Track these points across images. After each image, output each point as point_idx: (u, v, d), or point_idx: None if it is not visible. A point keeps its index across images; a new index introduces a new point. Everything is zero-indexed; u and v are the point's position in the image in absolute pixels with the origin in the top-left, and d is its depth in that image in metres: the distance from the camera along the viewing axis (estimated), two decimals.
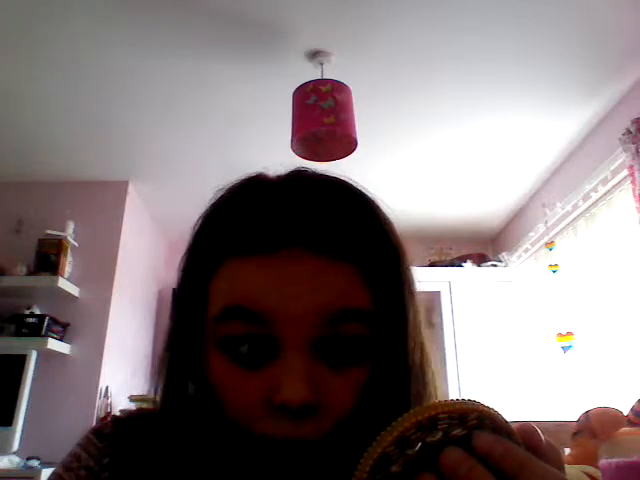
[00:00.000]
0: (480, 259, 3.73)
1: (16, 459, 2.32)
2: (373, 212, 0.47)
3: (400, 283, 0.46)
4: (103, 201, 3.18)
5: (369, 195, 0.48)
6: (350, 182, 0.48)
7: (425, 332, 0.48)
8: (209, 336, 0.45)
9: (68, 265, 2.91)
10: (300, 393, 0.40)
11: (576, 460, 1.04)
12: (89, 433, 0.50)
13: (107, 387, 2.90)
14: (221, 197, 0.49)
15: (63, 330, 2.84)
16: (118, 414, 0.53)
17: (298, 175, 0.49)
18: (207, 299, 0.46)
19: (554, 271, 2.88)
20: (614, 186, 2.52)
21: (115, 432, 0.49)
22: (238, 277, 0.44)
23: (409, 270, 0.48)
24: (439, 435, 0.30)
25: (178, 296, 0.49)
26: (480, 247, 4.01)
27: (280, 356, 0.42)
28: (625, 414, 1.13)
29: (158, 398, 0.48)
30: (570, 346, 2.68)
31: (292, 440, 0.40)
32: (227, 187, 0.49)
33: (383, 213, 0.48)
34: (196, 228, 0.49)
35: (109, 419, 0.51)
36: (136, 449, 0.47)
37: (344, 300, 0.43)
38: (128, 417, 0.51)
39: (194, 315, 0.47)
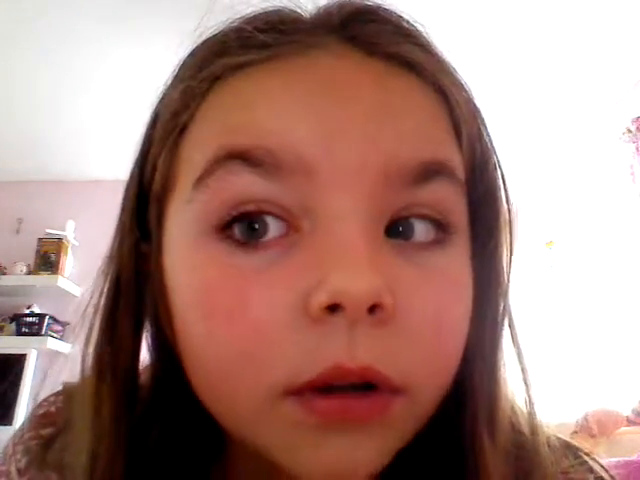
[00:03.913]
0: None
1: None
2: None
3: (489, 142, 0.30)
4: (103, 201, 3.15)
5: None
6: None
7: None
8: (186, 225, 0.25)
9: (68, 264, 2.91)
10: (364, 278, 0.20)
11: None
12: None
13: None
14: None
15: (63, 329, 2.84)
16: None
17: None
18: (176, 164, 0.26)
19: (551, 267, 2.88)
20: (614, 186, 2.51)
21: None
22: (235, 104, 0.24)
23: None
24: None
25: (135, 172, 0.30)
26: None
27: (318, 234, 0.23)
28: (625, 414, 1.13)
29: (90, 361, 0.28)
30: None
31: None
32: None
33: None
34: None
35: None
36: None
37: (434, 145, 0.25)
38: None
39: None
